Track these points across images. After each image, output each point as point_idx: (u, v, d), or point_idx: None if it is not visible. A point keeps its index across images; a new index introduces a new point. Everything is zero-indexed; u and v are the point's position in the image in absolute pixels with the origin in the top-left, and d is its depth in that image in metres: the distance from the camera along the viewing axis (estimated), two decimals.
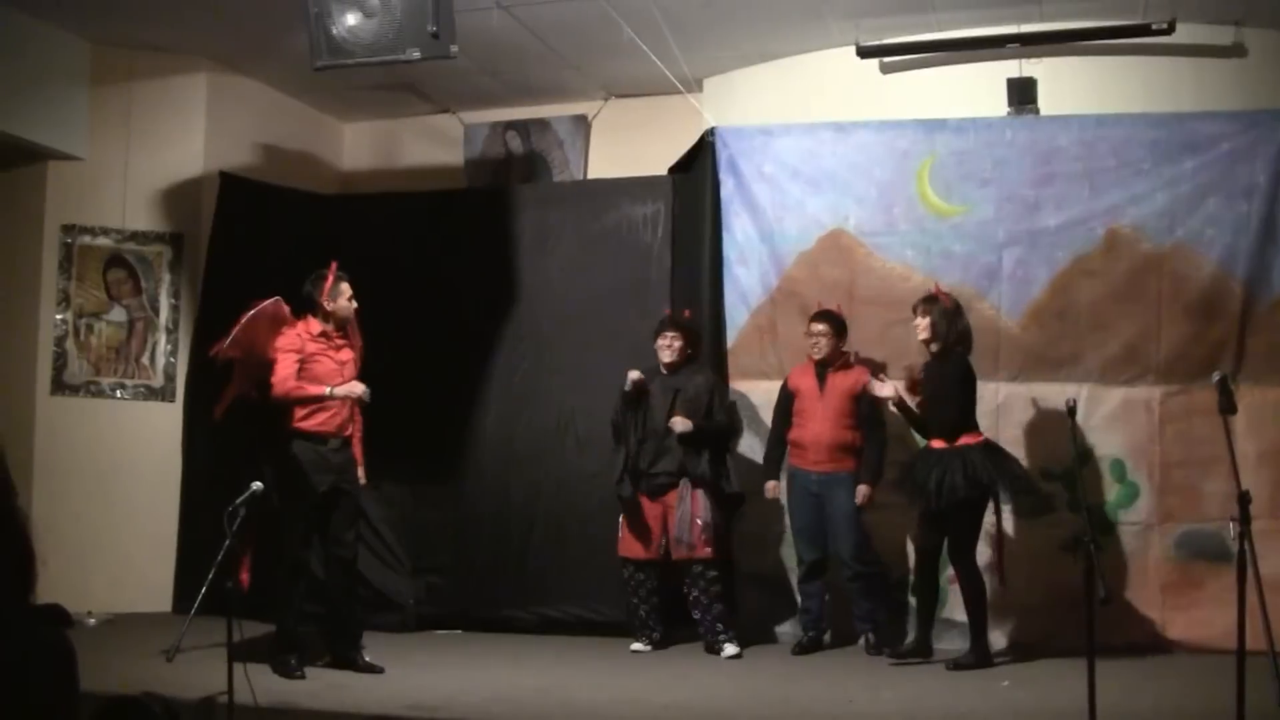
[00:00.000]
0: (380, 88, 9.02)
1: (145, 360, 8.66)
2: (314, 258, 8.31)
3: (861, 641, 6.98)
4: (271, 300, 6.25)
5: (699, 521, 6.84)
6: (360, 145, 10.11)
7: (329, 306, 6.32)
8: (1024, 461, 6.99)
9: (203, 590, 6.08)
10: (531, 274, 8.17)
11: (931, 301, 6.64)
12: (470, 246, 8.26)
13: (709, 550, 6.86)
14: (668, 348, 7.03)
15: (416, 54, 6.26)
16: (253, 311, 6.18)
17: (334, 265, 6.37)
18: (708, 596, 6.89)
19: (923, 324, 6.61)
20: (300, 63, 6.73)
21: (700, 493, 6.88)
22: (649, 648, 7.03)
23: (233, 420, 6.51)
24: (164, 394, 8.66)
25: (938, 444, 6.51)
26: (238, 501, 5.35)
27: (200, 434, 8.34)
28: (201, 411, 8.26)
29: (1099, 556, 5.01)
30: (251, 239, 8.47)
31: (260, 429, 6.28)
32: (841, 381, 6.98)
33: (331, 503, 6.26)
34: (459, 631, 7.79)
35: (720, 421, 7.04)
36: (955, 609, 6.87)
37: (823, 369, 7.02)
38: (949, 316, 6.60)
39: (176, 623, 6.76)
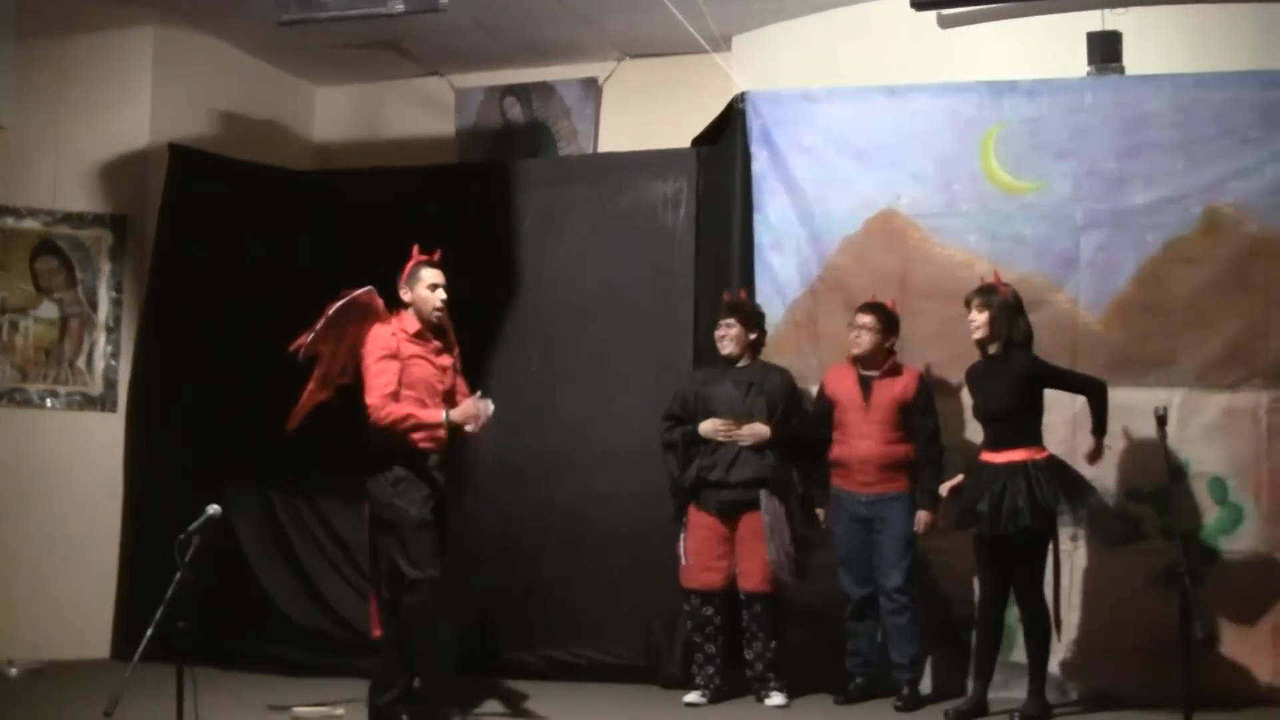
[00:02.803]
0: (358, 46, 9.02)
1: (81, 364, 8.58)
2: (282, 243, 8.45)
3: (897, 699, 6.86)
4: (364, 289, 6.20)
5: (789, 542, 6.78)
6: (335, 113, 10.12)
7: (405, 298, 6.29)
8: (1109, 479, 6.90)
9: (148, 632, 5.97)
10: (535, 262, 8.13)
11: (990, 294, 6.56)
12: (464, 230, 8.10)
13: (795, 579, 6.81)
14: (724, 337, 6.98)
15: (400, 6, 6.28)
16: (341, 302, 6.13)
17: (415, 248, 6.35)
18: (766, 633, 6.84)
19: (980, 320, 6.52)
20: (265, 16, 6.74)
21: (785, 508, 6.83)
22: (705, 700, 6.90)
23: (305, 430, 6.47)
24: (103, 403, 8.58)
25: (993, 457, 6.42)
26: (191, 528, 5.25)
27: (147, 449, 8.32)
28: (148, 422, 8.26)
29: (1196, 591, 4.97)
30: (207, 222, 8.45)
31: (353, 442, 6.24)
32: (890, 389, 6.90)
33: (440, 521, 6.25)
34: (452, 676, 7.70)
35: (800, 428, 6.97)
36: (1019, 651, 6.74)
37: (866, 375, 6.95)
38: (1010, 312, 6.53)
39: (117, 671, 6.64)
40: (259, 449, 8.23)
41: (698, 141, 8.06)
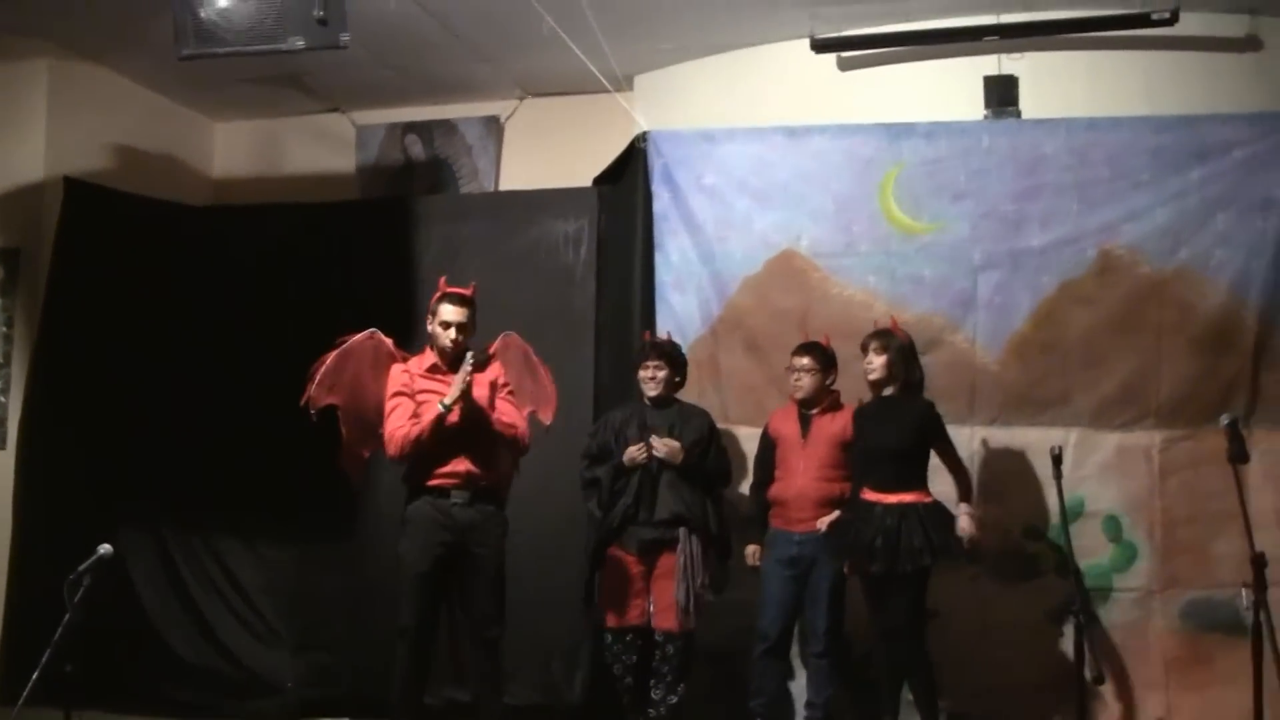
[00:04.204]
0: (259, 82, 8.95)
1: None
2: (180, 279, 8.39)
3: None
4: (364, 334, 6.26)
5: (702, 584, 6.76)
6: (235, 148, 10.02)
7: (430, 330, 6.33)
8: (1005, 518, 7.01)
9: (34, 675, 5.90)
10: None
11: (888, 337, 6.62)
12: (363, 267, 8.26)
13: (694, 620, 6.76)
14: (651, 379, 6.95)
15: (300, 43, 6.20)
16: (336, 351, 6.18)
17: (441, 281, 6.39)
18: (675, 675, 6.81)
19: (878, 363, 6.56)
20: (164, 50, 6.64)
21: (703, 547, 6.80)
22: None
23: None
24: None
25: (883, 497, 6.42)
26: (81, 568, 5.22)
27: (38, 487, 8.17)
28: (39, 460, 8.16)
29: (1090, 628, 5.03)
30: (103, 257, 8.37)
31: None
32: (828, 426, 6.88)
33: (458, 568, 6.21)
34: (346, 719, 7.70)
35: (721, 464, 6.99)
36: None
37: (806, 412, 6.94)
38: (907, 355, 6.60)
39: (1, 716, 6.58)
40: (154, 488, 8.27)
41: (599, 180, 8.10)
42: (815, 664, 6.87)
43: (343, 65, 8.25)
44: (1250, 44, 7.42)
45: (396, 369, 6.28)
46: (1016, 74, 7.57)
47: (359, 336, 6.25)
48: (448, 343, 6.26)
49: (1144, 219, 7.20)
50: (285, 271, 8.38)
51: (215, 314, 8.50)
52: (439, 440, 6.13)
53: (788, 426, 6.97)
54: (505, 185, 9.26)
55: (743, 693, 7.01)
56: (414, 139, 9.57)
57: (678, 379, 7.02)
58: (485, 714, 6.39)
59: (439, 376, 6.25)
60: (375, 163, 9.63)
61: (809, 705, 6.90)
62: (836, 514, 6.61)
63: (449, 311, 6.28)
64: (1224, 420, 5.59)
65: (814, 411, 6.92)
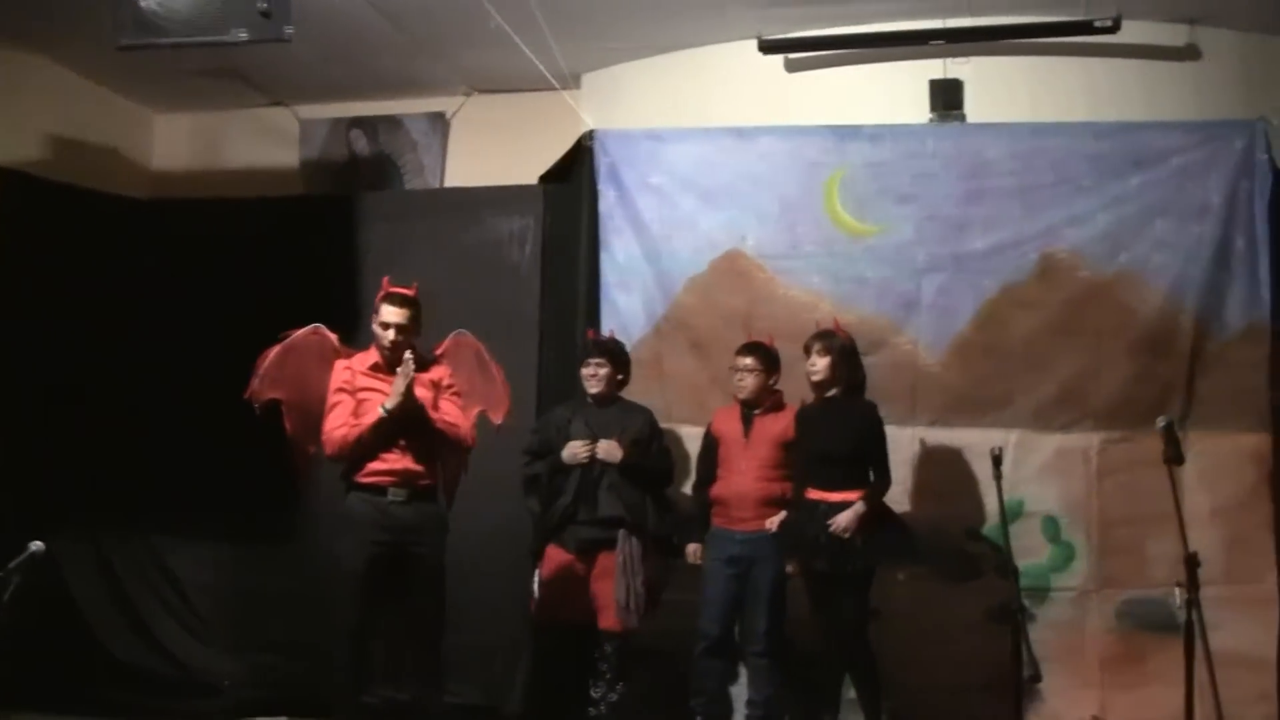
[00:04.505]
0: (200, 74, 8.83)
1: None
2: (118, 273, 8.33)
3: None
4: (307, 329, 6.24)
5: (642, 583, 6.74)
6: (176, 141, 9.91)
7: (373, 329, 6.28)
8: (945, 519, 7.08)
9: None
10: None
11: (831, 338, 6.66)
12: (306, 263, 8.20)
13: (637, 620, 6.75)
14: (593, 377, 6.95)
15: (243, 35, 6.14)
16: (279, 346, 6.15)
17: (385, 280, 6.36)
18: (614, 674, 6.80)
19: (821, 365, 6.61)
20: (103, 40, 6.55)
21: (643, 548, 6.79)
22: None
23: None
24: None
25: (828, 496, 6.47)
26: (11, 565, 5.13)
27: None
28: None
29: (1029, 627, 5.09)
30: (38, 250, 8.23)
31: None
32: (771, 426, 6.90)
33: (397, 568, 6.16)
34: (284, 719, 7.62)
35: (662, 463, 7.00)
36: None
37: (749, 411, 6.96)
38: (849, 356, 6.66)
39: None
40: (90, 484, 8.19)
41: (545, 178, 8.09)
42: (755, 663, 6.89)
43: (287, 58, 8.10)
44: (1189, 53, 7.49)
45: (339, 365, 6.26)
46: (962, 78, 7.61)
47: (303, 331, 6.24)
48: (387, 343, 6.23)
49: (1085, 224, 7.29)
50: (226, 267, 8.32)
51: (154, 309, 8.46)
52: (378, 438, 6.12)
53: (730, 426, 6.98)
54: (451, 182, 9.21)
55: (684, 692, 7.01)
56: (359, 134, 9.50)
57: (620, 377, 7.02)
58: (426, 713, 6.37)
59: (381, 376, 6.23)
60: (319, 158, 9.56)
61: (750, 704, 6.92)
62: (784, 514, 6.65)
63: (389, 312, 6.25)
64: (1160, 422, 5.66)
65: (757, 411, 6.93)
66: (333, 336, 6.35)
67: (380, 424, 6.08)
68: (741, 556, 6.82)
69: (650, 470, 6.92)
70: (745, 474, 6.86)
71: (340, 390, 6.19)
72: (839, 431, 6.54)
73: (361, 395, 6.19)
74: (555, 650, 6.90)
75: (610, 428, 6.87)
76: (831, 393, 6.63)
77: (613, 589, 6.70)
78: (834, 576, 6.39)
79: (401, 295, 6.30)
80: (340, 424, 6.11)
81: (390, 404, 6.06)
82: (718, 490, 6.96)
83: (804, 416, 6.77)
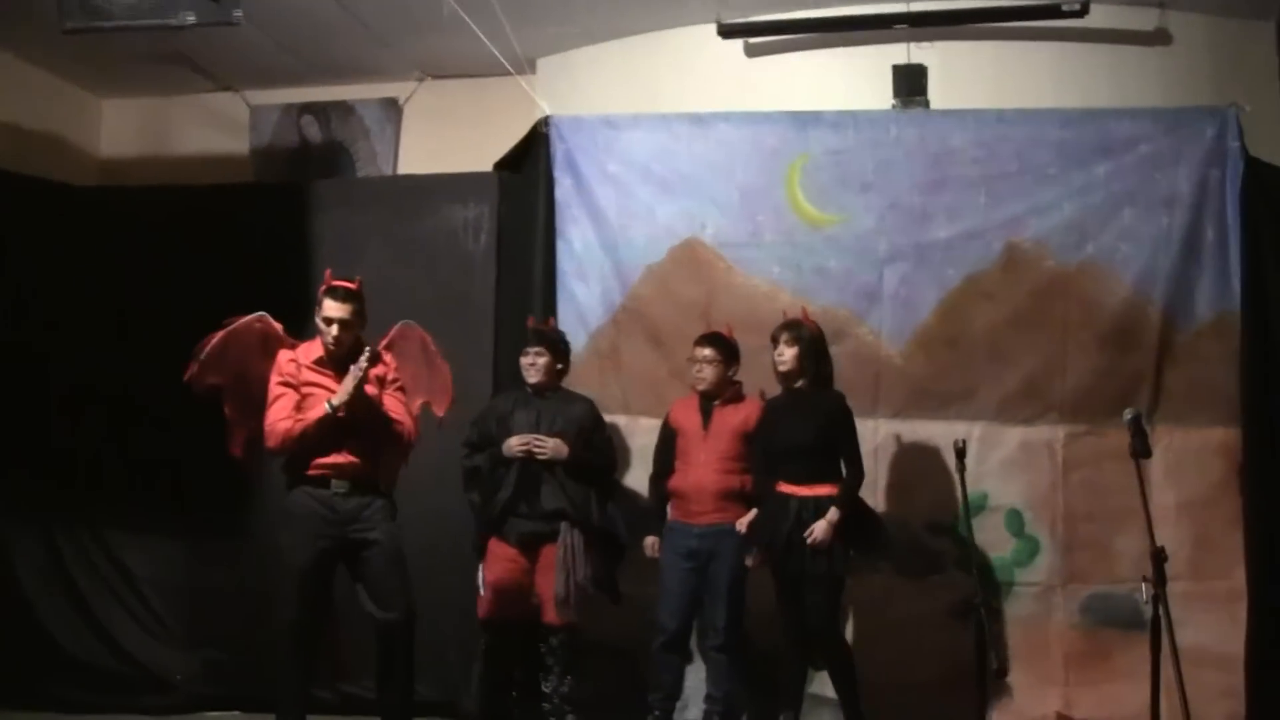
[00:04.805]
0: (148, 58, 8.79)
1: None
2: (61, 261, 8.25)
3: None
4: (252, 316, 6.14)
5: (584, 576, 6.69)
6: (123, 127, 9.87)
7: (317, 323, 6.19)
8: (907, 512, 7.06)
9: None
10: None
11: (798, 328, 6.62)
12: (256, 252, 8.09)
13: (577, 615, 6.71)
14: (532, 366, 6.88)
15: (191, 18, 6.14)
16: (222, 332, 6.06)
17: (327, 273, 6.27)
18: (562, 668, 6.74)
19: (789, 355, 6.56)
20: (48, 23, 6.51)
21: (584, 540, 6.73)
22: None
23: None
24: None
25: (798, 490, 6.44)
26: None
27: None
28: None
29: (992, 623, 5.12)
30: None
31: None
32: (730, 418, 6.87)
33: (350, 559, 6.12)
34: (235, 713, 7.65)
35: (605, 455, 6.96)
36: (824, 683, 6.84)
37: (708, 403, 6.92)
38: (817, 347, 6.62)
39: None
40: (39, 475, 8.11)
41: (500, 166, 8.01)
42: (714, 659, 6.86)
43: (236, 43, 8.16)
44: (1159, 38, 7.52)
45: (284, 356, 6.17)
46: (926, 64, 7.61)
47: (247, 319, 6.16)
48: (330, 340, 6.13)
49: (1050, 213, 7.27)
50: (175, 256, 8.20)
51: (100, 299, 8.33)
52: (322, 434, 6.05)
53: (689, 417, 6.94)
54: (404, 169, 9.21)
55: (641, 687, 6.99)
56: (310, 121, 9.49)
57: (560, 366, 6.96)
58: (395, 707, 6.29)
59: (325, 371, 6.15)
60: (269, 145, 9.54)
61: (708, 699, 6.90)
62: (753, 513, 6.62)
63: (332, 307, 6.13)
64: (1127, 415, 5.60)
65: (716, 403, 6.90)
66: (277, 326, 6.26)
67: (325, 420, 5.99)
68: (700, 550, 6.78)
69: (593, 463, 6.86)
70: (704, 466, 6.82)
71: (284, 383, 6.10)
72: (807, 424, 6.50)
73: (306, 390, 6.10)
74: (503, 646, 6.84)
75: (554, 419, 6.81)
76: (799, 384, 6.59)
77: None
78: (804, 572, 6.36)
79: (345, 289, 6.19)
80: (284, 417, 6.02)
81: (337, 401, 5.98)
82: (676, 482, 6.92)
83: (771, 409, 6.73)
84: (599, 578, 6.77)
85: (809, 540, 6.30)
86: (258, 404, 6.18)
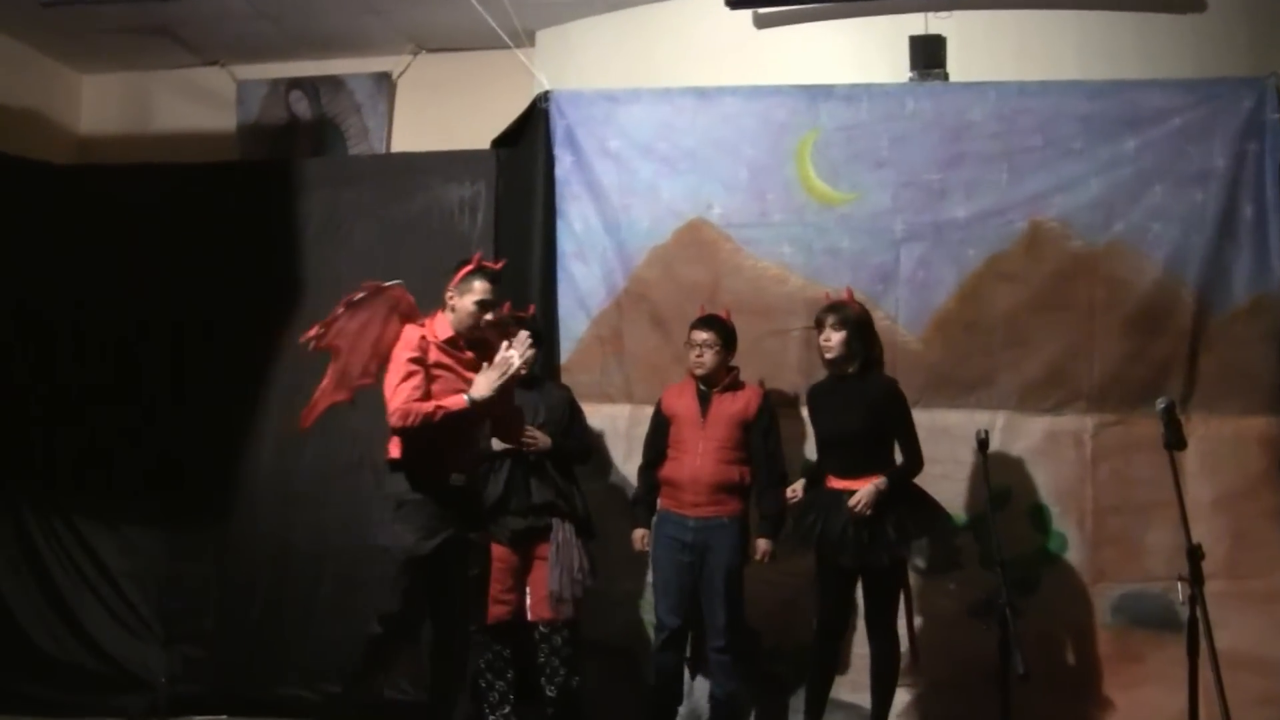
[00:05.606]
0: (130, 31, 8.81)
1: None
2: (39, 240, 8.22)
3: None
4: (395, 284, 6.00)
5: (581, 571, 6.70)
6: (104, 103, 9.90)
7: (450, 301, 6.07)
8: None
9: None
10: (319, 268, 7.98)
11: (844, 310, 6.56)
12: (243, 233, 8.10)
13: (571, 608, 6.71)
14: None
15: None
16: (362, 294, 5.90)
17: (477, 255, 6.19)
18: (566, 667, 6.73)
19: (836, 340, 6.49)
20: None
21: (575, 533, 6.76)
22: None
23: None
24: None
25: (848, 484, 6.37)
26: None
27: None
28: None
29: (1017, 623, 5.13)
30: None
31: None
32: (729, 405, 6.78)
33: (451, 557, 5.96)
34: (223, 717, 7.60)
35: (583, 444, 6.98)
36: (841, 687, 6.78)
37: (705, 390, 6.84)
38: (865, 329, 6.55)
39: None
40: (13, 466, 8.10)
41: (497, 142, 7.97)
42: (716, 659, 6.78)
43: (222, 15, 8.31)
44: (1192, 4, 7.45)
45: (415, 332, 5.99)
46: (944, 34, 7.50)
47: (388, 285, 6.00)
48: (482, 323, 6.03)
49: (1076, 190, 7.16)
50: (158, 237, 8.20)
51: (80, 279, 8.31)
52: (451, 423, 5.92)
53: (685, 404, 6.87)
54: (397, 147, 9.23)
55: (636, 686, 7.04)
56: (299, 96, 9.49)
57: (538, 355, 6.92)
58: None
59: (456, 354, 6.03)
60: (257, 121, 9.55)
61: (712, 699, 6.84)
62: (798, 494, 6.62)
63: (484, 289, 6.04)
64: (1160, 404, 5.53)
65: (714, 389, 6.83)
66: (410, 298, 6.11)
67: (463, 413, 5.85)
68: (694, 544, 6.72)
69: (576, 453, 6.93)
70: (701, 455, 6.74)
71: (416, 359, 5.91)
72: (852, 411, 6.45)
73: (436, 373, 5.95)
74: (482, 648, 6.79)
75: (537, 409, 6.82)
76: (850, 369, 6.53)
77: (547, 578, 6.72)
78: (862, 571, 6.35)
79: (496, 272, 6.14)
80: (417, 396, 5.85)
81: (478, 395, 5.85)
82: (669, 472, 6.84)
83: (815, 395, 6.70)
84: (593, 570, 6.81)
85: (852, 506, 6.26)
86: (359, 373, 6.04)
